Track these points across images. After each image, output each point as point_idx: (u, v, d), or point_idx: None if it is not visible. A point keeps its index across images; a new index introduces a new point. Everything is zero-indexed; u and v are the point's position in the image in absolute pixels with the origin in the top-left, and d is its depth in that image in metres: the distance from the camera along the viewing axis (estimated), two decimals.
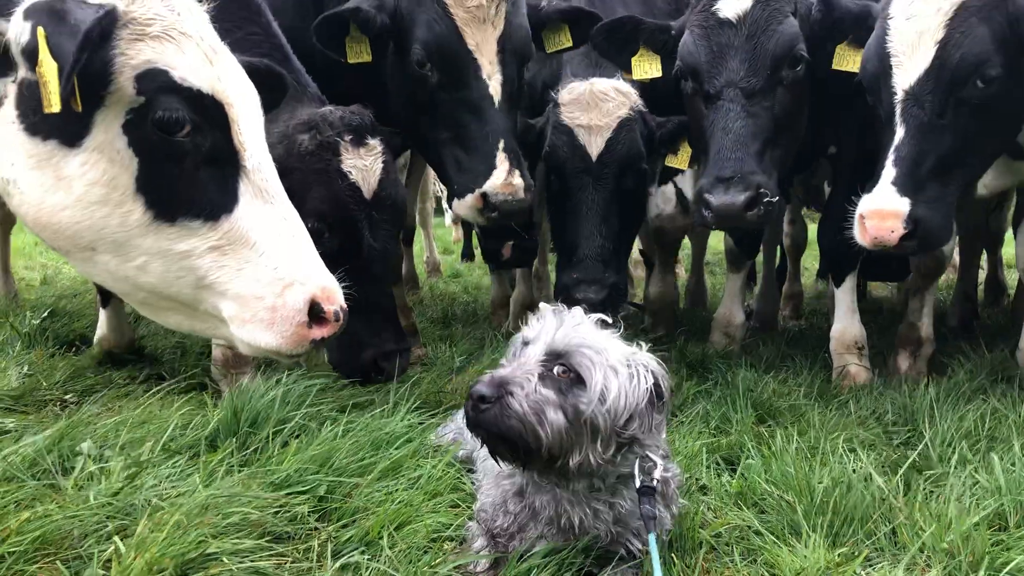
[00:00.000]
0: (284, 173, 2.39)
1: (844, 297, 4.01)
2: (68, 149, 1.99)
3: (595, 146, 3.68)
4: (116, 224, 2.00)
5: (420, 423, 2.85)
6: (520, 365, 1.83)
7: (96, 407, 3.02)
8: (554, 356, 1.83)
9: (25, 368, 3.45)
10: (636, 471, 1.94)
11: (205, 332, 2.30)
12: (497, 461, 1.93)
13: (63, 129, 1.99)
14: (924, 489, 2.45)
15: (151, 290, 2.10)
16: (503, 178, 3.24)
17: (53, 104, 1.86)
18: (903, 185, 2.97)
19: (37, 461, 2.35)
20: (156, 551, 1.81)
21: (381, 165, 3.20)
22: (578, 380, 1.81)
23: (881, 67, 3.10)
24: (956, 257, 5.68)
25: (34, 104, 1.98)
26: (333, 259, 2.79)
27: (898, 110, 3.04)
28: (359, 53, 3.46)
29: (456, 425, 2.79)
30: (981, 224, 5.63)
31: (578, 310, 1.94)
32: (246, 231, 2.00)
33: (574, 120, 3.70)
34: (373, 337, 3.23)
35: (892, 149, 3.02)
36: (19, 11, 1.95)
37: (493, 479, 2.14)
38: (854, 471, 2.46)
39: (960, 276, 5.59)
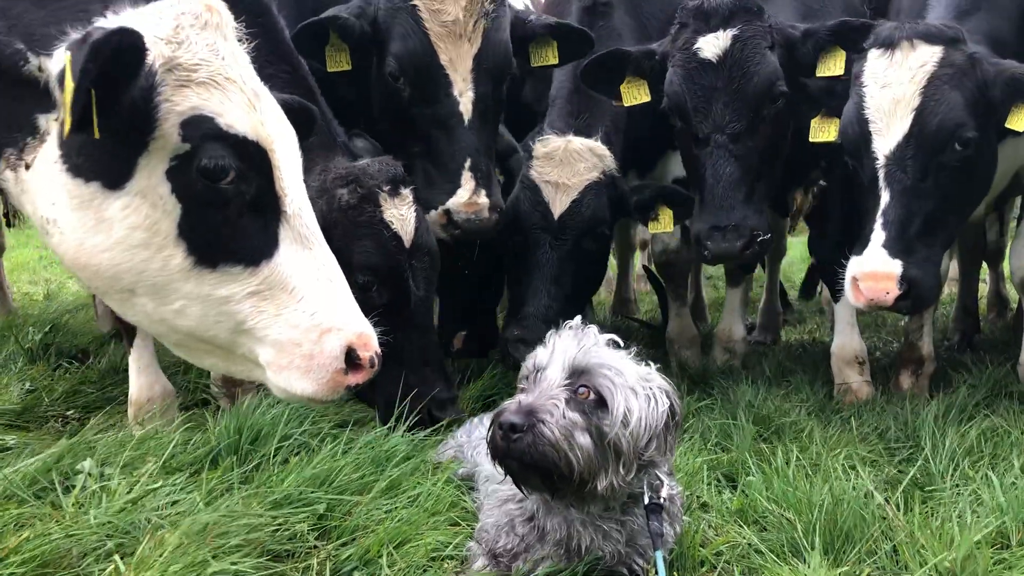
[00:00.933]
0: (327, 228, 2.37)
1: (843, 312, 4.00)
2: (110, 192, 1.97)
3: (559, 205, 3.64)
4: (156, 268, 1.99)
5: (421, 440, 2.85)
6: (543, 391, 1.81)
7: (99, 423, 3.03)
8: (575, 377, 1.82)
9: (27, 384, 3.46)
10: (645, 489, 1.95)
11: (241, 374, 2.30)
12: (522, 489, 1.91)
13: (106, 172, 1.98)
14: (926, 507, 2.45)
15: (188, 333, 2.09)
16: (466, 197, 3.27)
17: (66, 126, 1.85)
18: (894, 247, 3.09)
19: (38, 479, 2.36)
20: (156, 571, 1.81)
21: (415, 213, 3.17)
22: (600, 402, 1.81)
23: (861, 133, 3.22)
24: (955, 271, 5.69)
25: (76, 146, 1.99)
26: (382, 311, 2.85)
27: (881, 175, 3.16)
28: (339, 62, 3.45)
29: (456, 442, 2.79)
30: (980, 238, 5.63)
31: (593, 328, 1.94)
32: (285, 277, 2.00)
33: (542, 176, 3.66)
34: (425, 386, 3.12)
35: (880, 212, 3.14)
36: (62, 47, 1.95)
37: (496, 500, 2.14)
38: (854, 488, 2.45)
39: (961, 291, 5.58)
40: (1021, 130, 3.14)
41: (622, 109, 3.88)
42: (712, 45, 3.47)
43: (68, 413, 3.29)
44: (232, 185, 1.98)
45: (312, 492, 2.36)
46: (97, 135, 1.89)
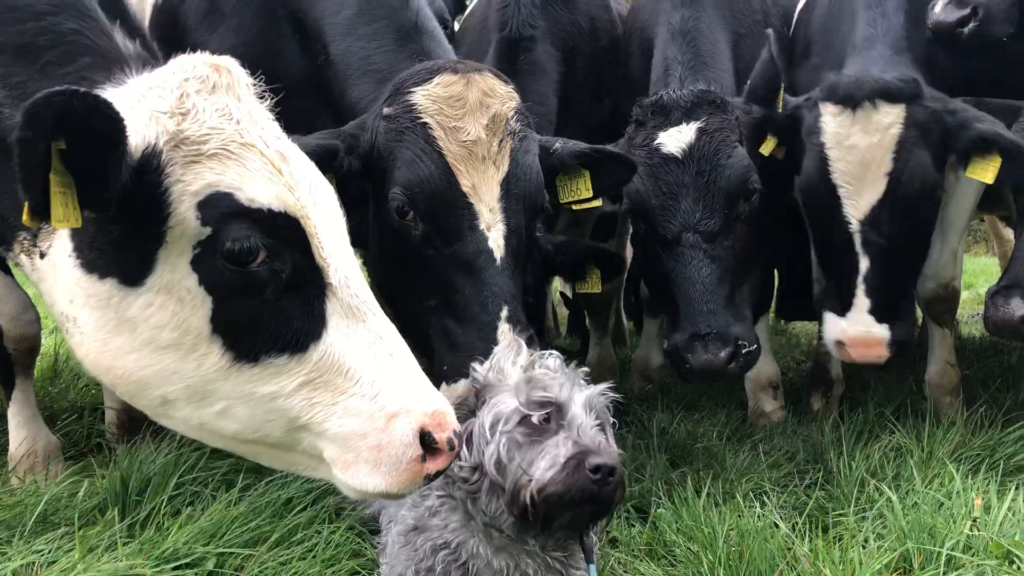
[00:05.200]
0: None
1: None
2: (130, 289, 1.73)
3: None
4: (191, 369, 1.74)
5: (322, 485, 2.74)
6: (583, 431, 1.79)
7: None
8: (593, 415, 1.84)
9: None
10: None
11: (307, 473, 1.98)
12: (572, 538, 1.90)
13: (122, 267, 1.74)
14: (832, 532, 2.46)
15: (234, 436, 1.84)
16: None
17: (24, 212, 1.61)
18: (880, 313, 3.14)
19: None
20: None
21: None
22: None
23: (828, 196, 3.18)
24: None
25: (88, 239, 1.77)
26: None
27: (857, 240, 3.15)
28: None
29: None
30: None
31: (555, 358, 1.94)
32: (339, 358, 1.75)
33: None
34: None
35: (861, 278, 3.15)
36: None
37: (404, 541, 2.06)
38: (760, 518, 2.44)
39: None
40: (989, 181, 3.15)
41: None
42: (676, 139, 3.21)
43: None
44: (264, 266, 1.73)
45: (203, 546, 2.23)
46: (79, 224, 1.65)
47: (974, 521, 2.37)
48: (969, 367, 4.30)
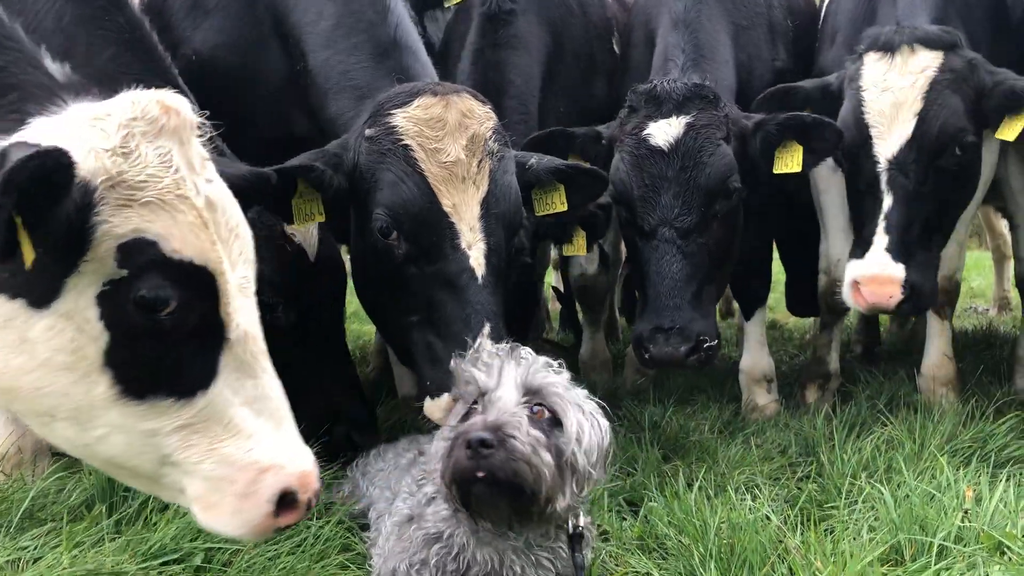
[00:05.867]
0: None
1: (754, 330, 4.06)
2: (35, 311, 1.74)
3: None
4: (80, 394, 1.77)
5: None
6: (502, 409, 1.80)
7: None
8: (531, 396, 1.84)
9: None
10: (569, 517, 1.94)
11: (169, 499, 2.06)
12: (478, 523, 1.87)
13: (31, 290, 1.75)
14: (823, 525, 2.45)
15: (108, 460, 1.89)
16: None
17: None
18: (897, 251, 3.09)
19: None
20: None
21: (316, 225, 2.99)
22: (555, 421, 1.84)
23: (860, 137, 3.21)
24: None
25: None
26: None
27: (883, 179, 3.16)
28: (309, 214, 2.85)
29: (351, 478, 2.68)
30: None
31: (527, 350, 1.96)
32: (222, 409, 1.80)
33: None
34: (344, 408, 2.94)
35: (882, 216, 3.14)
36: None
37: (396, 533, 2.06)
38: (752, 511, 2.43)
39: None
40: (1011, 139, 3.21)
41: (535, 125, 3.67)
42: (663, 132, 3.24)
43: None
44: (171, 316, 1.75)
45: (189, 542, 2.22)
46: (30, 266, 1.68)
47: (965, 512, 2.36)
48: (961, 360, 4.30)
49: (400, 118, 2.69)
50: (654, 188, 3.23)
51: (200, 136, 1.88)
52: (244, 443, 1.79)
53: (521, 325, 3.62)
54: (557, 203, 3.07)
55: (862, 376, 4.14)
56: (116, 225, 1.72)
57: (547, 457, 1.75)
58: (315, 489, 1.83)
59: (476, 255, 2.63)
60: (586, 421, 1.86)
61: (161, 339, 1.77)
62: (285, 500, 1.78)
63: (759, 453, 3.17)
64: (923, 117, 3.10)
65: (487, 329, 2.54)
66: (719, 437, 3.39)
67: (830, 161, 3.56)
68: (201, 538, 2.23)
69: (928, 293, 3.19)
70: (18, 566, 2.17)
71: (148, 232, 1.73)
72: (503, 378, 1.85)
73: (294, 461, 1.81)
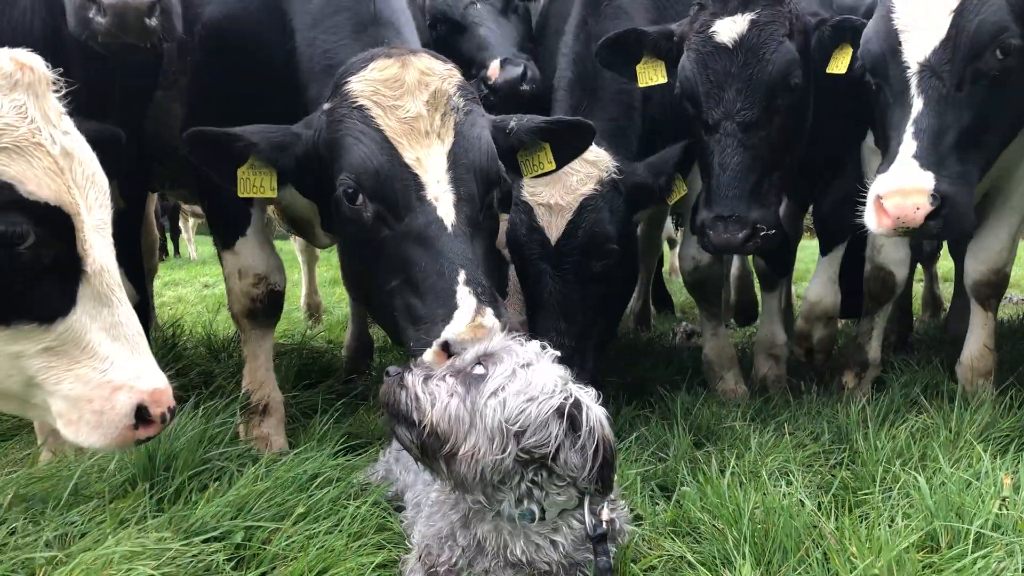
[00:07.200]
0: None
1: (771, 303, 4.15)
2: None
3: (555, 229, 3.36)
4: None
5: (347, 462, 2.76)
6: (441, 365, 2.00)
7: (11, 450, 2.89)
8: (479, 358, 1.95)
9: None
10: (587, 514, 1.96)
11: (38, 419, 2.30)
12: (401, 441, 1.99)
13: None
14: (857, 511, 2.44)
15: None
16: (469, 319, 2.38)
17: None
18: (926, 159, 2.79)
19: None
20: None
21: None
22: (484, 377, 1.92)
23: (888, 44, 3.01)
24: None
25: None
26: None
27: (913, 83, 2.91)
28: (258, 187, 2.82)
29: (385, 461, 2.71)
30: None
31: (536, 343, 2.01)
32: (80, 334, 2.01)
33: (535, 197, 3.39)
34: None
35: (911, 122, 2.87)
36: None
37: (435, 510, 2.11)
38: (786, 496, 2.43)
39: None
40: None
41: (638, 92, 3.67)
42: (728, 29, 3.30)
43: None
44: (29, 250, 1.96)
45: (229, 519, 2.26)
46: None
47: (1003, 500, 2.34)
48: (998, 349, 4.24)
49: (355, 83, 2.68)
50: (718, 84, 3.32)
51: (56, 92, 2.06)
52: (100, 364, 2.00)
53: (608, 316, 3.61)
54: (545, 163, 3.03)
55: (895, 364, 4.09)
56: None
57: (447, 399, 1.88)
58: (168, 404, 2.02)
59: (444, 206, 2.56)
60: (516, 385, 1.87)
61: (22, 270, 1.97)
62: (142, 415, 1.98)
63: (792, 440, 3.15)
64: (960, 13, 2.82)
65: (462, 276, 2.46)
66: (751, 424, 3.38)
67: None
68: (240, 517, 2.28)
69: (962, 209, 2.81)
70: (65, 541, 2.22)
71: (5, 175, 1.93)
72: (474, 347, 2.01)
73: (146, 380, 2.01)
